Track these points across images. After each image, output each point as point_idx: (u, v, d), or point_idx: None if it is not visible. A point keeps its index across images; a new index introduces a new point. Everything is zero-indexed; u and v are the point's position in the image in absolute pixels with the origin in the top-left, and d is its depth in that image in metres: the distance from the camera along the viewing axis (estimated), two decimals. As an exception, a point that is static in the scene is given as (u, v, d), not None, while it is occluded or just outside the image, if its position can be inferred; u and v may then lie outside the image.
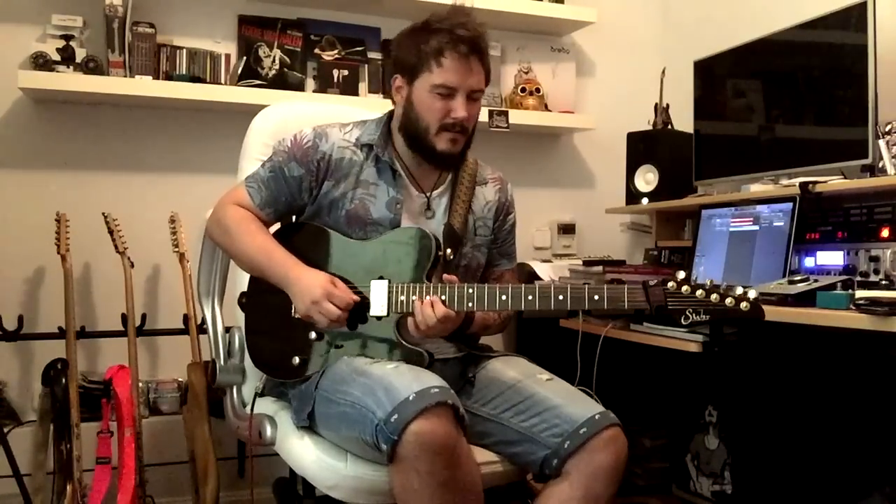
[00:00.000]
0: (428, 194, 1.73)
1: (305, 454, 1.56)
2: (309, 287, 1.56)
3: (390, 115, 1.75)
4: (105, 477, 2.22)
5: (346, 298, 1.55)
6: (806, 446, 2.04)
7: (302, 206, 1.73)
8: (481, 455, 1.58)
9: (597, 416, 1.53)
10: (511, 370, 1.68)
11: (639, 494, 2.61)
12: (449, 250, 1.66)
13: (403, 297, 1.55)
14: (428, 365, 1.56)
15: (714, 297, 1.41)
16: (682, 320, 1.43)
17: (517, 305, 1.51)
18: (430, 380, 1.45)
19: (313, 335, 1.63)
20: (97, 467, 2.22)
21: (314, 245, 1.68)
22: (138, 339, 2.32)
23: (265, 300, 1.67)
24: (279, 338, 1.65)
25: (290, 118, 1.95)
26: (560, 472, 1.51)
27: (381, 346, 1.59)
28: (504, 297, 1.51)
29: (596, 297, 1.47)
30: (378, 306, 1.57)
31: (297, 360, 1.63)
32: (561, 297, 1.49)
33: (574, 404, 1.57)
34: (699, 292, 1.42)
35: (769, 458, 2.15)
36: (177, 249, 2.38)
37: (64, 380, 2.20)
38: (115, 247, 2.33)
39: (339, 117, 1.81)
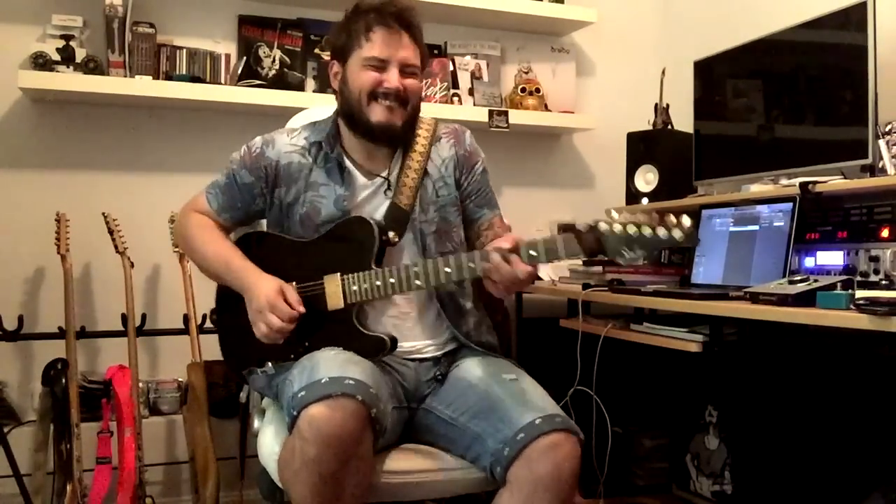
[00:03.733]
0: (387, 177, 1.69)
1: (264, 442, 1.56)
2: (258, 296, 1.56)
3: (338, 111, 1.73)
4: (105, 477, 2.22)
5: (288, 312, 1.54)
6: (806, 446, 2.04)
7: (259, 210, 1.74)
8: (440, 461, 1.52)
9: (537, 421, 1.40)
10: (480, 369, 1.60)
11: (639, 494, 2.62)
12: (392, 233, 1.62)
13: (356, 287, 1.57)
14: (391, 349, 1.56)
15: (646, 230, 1.36)
16: (621, 262, 1.45)
17: (461, 275, 1.51)
18: (354, 372, 1.41)
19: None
20: (97, 467, 2.23)
21: (269, 251, 1.68)
22: (138, 339, 2.32)
23: (237, 305, 1.65)
24: (249, 342, 1.62)
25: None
26: (505, 480, 1.41)
27: (343, 338, 1.58)
28: (448, 270, 1.51)
29: (533, 252, 1.45)
30: (334, 300, 1.59)
31: (269, 365, 1.63)
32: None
33: (521, 406, 1.45)
34: (631, 228, 1.38)
35: (769, 458, 2.14)
36: (177, 249, 2.38)
37: (64, 380, 2.20)
38: (115, 247, 2.33)
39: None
